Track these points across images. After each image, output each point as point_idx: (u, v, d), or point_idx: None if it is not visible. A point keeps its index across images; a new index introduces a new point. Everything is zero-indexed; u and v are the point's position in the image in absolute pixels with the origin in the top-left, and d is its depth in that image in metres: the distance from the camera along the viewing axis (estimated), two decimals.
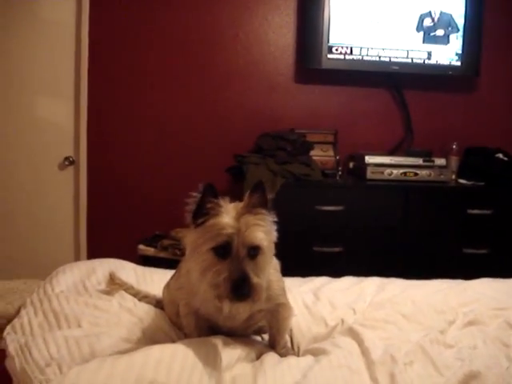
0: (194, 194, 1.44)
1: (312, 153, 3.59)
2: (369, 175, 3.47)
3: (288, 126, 3.75)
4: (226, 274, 1.36)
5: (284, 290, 1.68)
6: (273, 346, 1.70)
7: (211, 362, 1.42)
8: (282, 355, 1.63)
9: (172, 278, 1.85)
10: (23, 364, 1.48)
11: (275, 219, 1.49)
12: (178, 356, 1.38)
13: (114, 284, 2.05)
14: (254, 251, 1.41)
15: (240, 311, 1.44)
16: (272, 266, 1.58)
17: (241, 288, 1.35)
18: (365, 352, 1.61)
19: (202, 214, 1.43)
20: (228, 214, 1.42)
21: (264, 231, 1.43)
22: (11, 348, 1.58)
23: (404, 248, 3.43)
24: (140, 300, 2.00)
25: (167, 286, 1.88)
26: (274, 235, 1.49)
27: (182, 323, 1.67)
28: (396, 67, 3.75)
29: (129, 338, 1.66)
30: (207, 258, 1.40)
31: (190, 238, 1.46)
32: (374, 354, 1.59)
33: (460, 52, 3.77)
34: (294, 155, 3.45)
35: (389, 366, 1.53)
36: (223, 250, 1.39)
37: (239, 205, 1.45)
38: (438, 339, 1.75)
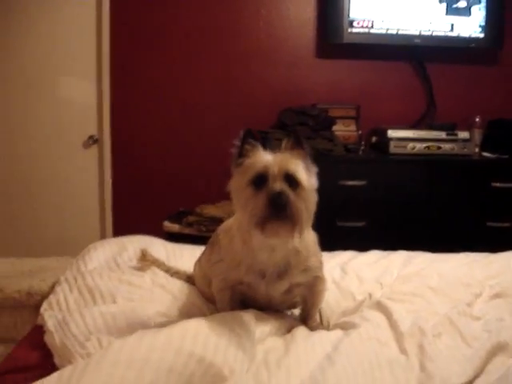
0: (236, 141, 1.50)
1: (334, 128, 3.58)
2: (391, 149, 3.45)
3: (310, 101, 3.74)
4: (265, 198, 1.39)
5: (322, 263, 1.69)
6: (304, 319, 1.73)
7: (245, 335, 1.46)
8: (312, 329, 1.66)
9: (203, 253, 1.88)
10: (63, 339, 1.51)
11: (316, 169, 1.52)
12: (214, 329, 1.41)
13: (145, 260, 2.10)
14: (293, 182, 1.42)
15: (282, 235, 1.44)
16: (311, 237, 1.62)
17: (278, 201, 1.37)
18: (393, 325, 1.64)
19: (242, 156, 1.48)
20: (266, 153, 1.47)
21: (301, 167, 1.46)
22: (50, 324, 1.61)
23: (427, 222, 3.42)
24: (172, 276, 2.04)
25: (199, 262, 1.91)
26: (315, 180, 1.51)
27: (216, 298, 1.70)
28: (418, 40, 3.71)
29: (165, 312, 1.70)
30: (247, 192, 1.43)
31: (232, 181, 1.51)
32: (403, 327, 1.61)
33: (483, 24, 3.71)
34: (316, 130, 3.45)
35: (417, 338, 1.55)
36: (260, 181, 1.42)
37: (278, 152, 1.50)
38: (465, 311, 1.78)
